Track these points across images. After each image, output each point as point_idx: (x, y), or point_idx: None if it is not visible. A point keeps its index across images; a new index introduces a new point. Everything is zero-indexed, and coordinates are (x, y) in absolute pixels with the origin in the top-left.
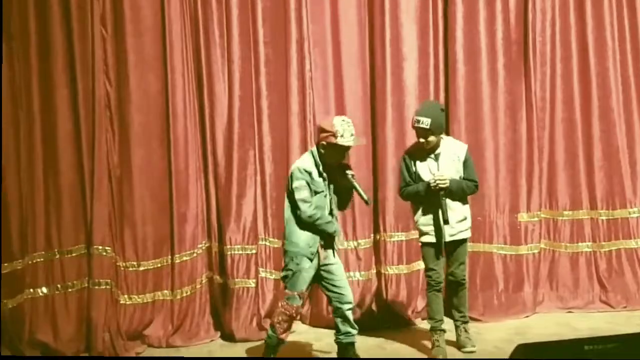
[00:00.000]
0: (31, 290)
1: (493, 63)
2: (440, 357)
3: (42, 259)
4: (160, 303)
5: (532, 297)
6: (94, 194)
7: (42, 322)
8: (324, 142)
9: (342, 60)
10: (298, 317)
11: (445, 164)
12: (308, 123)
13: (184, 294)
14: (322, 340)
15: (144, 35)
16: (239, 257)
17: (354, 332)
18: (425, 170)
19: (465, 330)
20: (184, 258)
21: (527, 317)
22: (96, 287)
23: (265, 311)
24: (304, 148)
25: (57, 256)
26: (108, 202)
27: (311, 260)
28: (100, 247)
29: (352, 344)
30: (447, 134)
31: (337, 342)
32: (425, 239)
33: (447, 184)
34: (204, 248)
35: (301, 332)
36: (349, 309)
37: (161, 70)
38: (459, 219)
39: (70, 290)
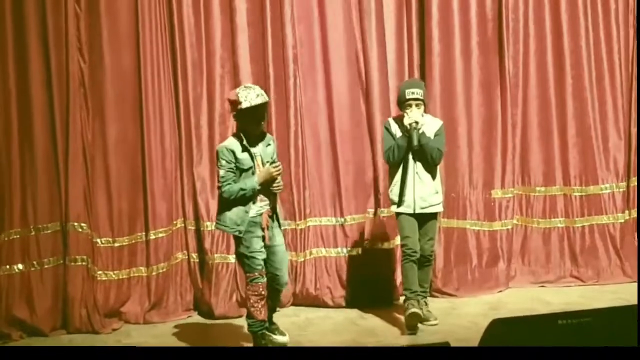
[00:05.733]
0: (7, 267)
1: (467, 40)
2: (417, 319)
3: (18, 236)
4: (137, 279)
5: (505, 272)
6: (69, 170)
7: (18, 298)
8: (234, 114)
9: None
10: (266, 293)
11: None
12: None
13: (160, 271)
14: (299, 315)
15: (118, 11)
16: (220, 232)
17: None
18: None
19: (426, 304)
20: (160, 235)
21: (500, 292)
22: (72, 264)
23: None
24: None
25: (33, 233)
26: (83, 179)
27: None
28: (76, 224)
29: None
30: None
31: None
32: (398, 208)
33: (419, 122)
34: (180, 224)
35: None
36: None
37: (134, 47)
38: (430, 192)
39: (46, 266)
